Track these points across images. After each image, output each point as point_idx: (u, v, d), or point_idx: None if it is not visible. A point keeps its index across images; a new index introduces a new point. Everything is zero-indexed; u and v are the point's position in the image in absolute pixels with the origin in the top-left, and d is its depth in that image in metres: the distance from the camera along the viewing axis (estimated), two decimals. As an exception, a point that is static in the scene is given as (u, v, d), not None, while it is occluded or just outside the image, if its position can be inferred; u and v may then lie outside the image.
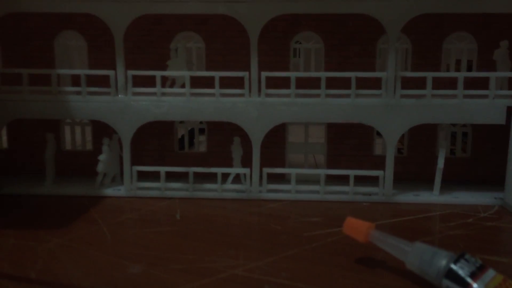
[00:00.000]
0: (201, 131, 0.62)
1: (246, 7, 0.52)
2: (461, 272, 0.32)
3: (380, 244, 0.37)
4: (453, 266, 0.33)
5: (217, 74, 0.54)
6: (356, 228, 0.38)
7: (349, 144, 0.59)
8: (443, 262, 0.33)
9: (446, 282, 0.32)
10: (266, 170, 0.55)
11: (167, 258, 0.40)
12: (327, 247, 0.41)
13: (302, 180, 0.56)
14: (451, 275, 0.32)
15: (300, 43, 0.58)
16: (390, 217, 0.50)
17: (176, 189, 0.55)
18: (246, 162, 0.56)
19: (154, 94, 0.54)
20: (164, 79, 0.55)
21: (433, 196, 0.54)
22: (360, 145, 0.59)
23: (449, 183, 0.57)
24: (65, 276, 0.36)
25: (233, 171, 0.56)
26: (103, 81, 0.55)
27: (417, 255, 0.34)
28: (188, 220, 0.49)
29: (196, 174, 0.55)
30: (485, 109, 0.52)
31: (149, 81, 0.54)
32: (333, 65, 0.57)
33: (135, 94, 0.54)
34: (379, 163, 0.56)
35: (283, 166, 0.59)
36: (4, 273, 0.37)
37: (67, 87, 0.55)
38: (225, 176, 0.56)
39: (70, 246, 0.42)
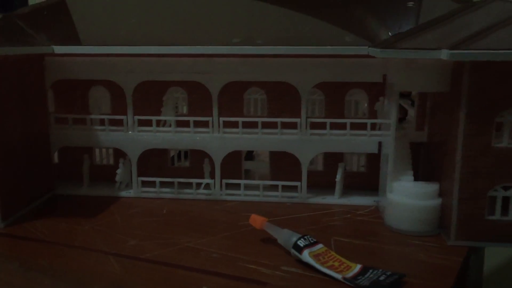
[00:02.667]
0: (186, 153, 0.90)
1: (209, 77, 0.80)
2: (300, 244, 0.59)
3: (268, 231, 0.64)
4: (297, 241, 0.60)
5: (191, 119, 0.81)
6: (255, 221, 0.65)
7: (287, 161, 0.86)
8: (294, 239, 0.60)
9: (292, 250, 0.60)
10: (225, 180, 0.83)
11: (152, 236, 0.68)
12: (248, 231, 0.69)
13: (250, 186, 0.84)
14: (295, 246, 0.60)
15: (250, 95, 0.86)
16: (299, 212, 0.77)
17: (167, 192, 0.84)
18: (213, 174, 0.84)
19: (151, 131, 0.83)
20: (159, 121, 0.84)
21: (334, 199, 0.81)
22: (295, 163, 0.85)
23: (351, 190, 0.84)
24: (93, 244, 0.65)
25: (203, 181, 0.84)
26: (120, 122, 0.83)
27: (283, 236, 0.62)
28: (171, 213, 0.77)
29: (180, 182, 0.84)
30: (365, 143, 0.78)
31: (149, 122, 0.83)
32: (273, 111, 0.84)
33: (139, 131, 0.83)
34: (309, 175, 0.83)
35: (240, 178, 0.87)
36: (58, 242, 0.66)
37: (96, 125, 0.85)
38: (199, 184, 0.84)
39: (97, 229, 0.71)
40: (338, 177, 0.81)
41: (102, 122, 0.83)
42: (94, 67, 0.81)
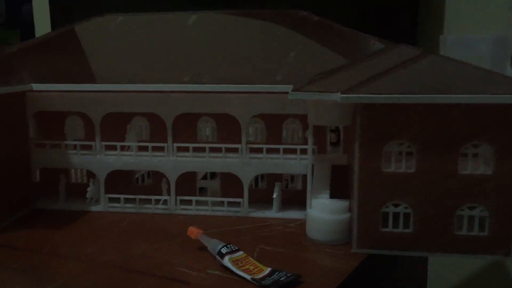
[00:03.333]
0: (149, 173, 1.04)
1: (164, 109, 0.93)
2: (223, 251, 0.72)
3: (202, 240, 0.78)
4: (221, 249, 0.73)
5: (150, 144, 0.95)
6: (192, 232, 0.79)
7: (234, 181, 0.98)
8: (218, 247, 0.73)
9: (217, 257, 0.73)
10: (179, 197, 0.96)
11: (110, 244, 0.82)
12: (190, 241, 0.82)
13: (204, 202, 0.97)
14: (219, 253, 0.73)
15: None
16: (240, 224, 0.90)
17: (130, 207, 0.97)
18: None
19: (116, 155, 0.96)
20: (123, 146, 0.98)
21: (272, 213, 0.94)
22: (241, 182, 0.98)
23: (290, 205, 0.97)
24: (58, 251, 0.79)
25: (161, 198, 0.97)
26: (90, 147, 0.97)
27: (211, 245, 0.75)
28: (131, 225, 0.91)
29: (141, 199, 0.97)
30: (295, 165, 0.91)
31: (115, 147, 0.97)
32: (222, 138, 0.98)
33: (106, 155, 0.97)
34: (254, 192, 0.96)
35: (194, 195, 1.00)
36: (29, 249, 0.80)
37: (70, 150, 0.98)
38: (157, 200, 0.98)
39: (65, 238, 0.84)
40: (275, 195, 0.94)
41: (75, 147, 0.97)
42: (68, 101, 0.95)
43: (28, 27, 2.43)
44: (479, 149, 0.71)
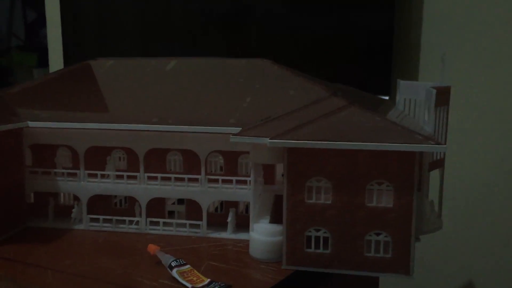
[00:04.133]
0: (125, 198, 1.21)
1: (137, 144, 1.11)
2: (172, 264, 0.89)
3: (158, 256, 0.94)
4: (171, 263, 0.89)
5: (125, 174, 1.13)
6: (150, 249, 0.95)
7: (198, 206, 1.15)
8: (169, 261, 0.90)
9: (168, 269, 0.89)
10: (149, 219, 1.13)
11: (84, 257, 0.98)
12: (151, 256, 0.98)
13: (170, 223, 1.14)
14: (169, 266, 0.89)
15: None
16: (197, 243, 1.06)
17: (107, 226, 1.14)
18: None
19: (96, 182, 1.14)
20: (103, 175, 1.15)
21: (226, 235, 1.10)
22: (196, 207, 1.14)
23: (243, 228, 1.13)
24: (40, 262, 0.96)
25: (134, 219, 1.14)
26: (75, 174, 1.15)
27: (165, 259, 0.91)
28: (106, 242, 1.07)
29: (117, 220, 1.14)
30: (246, 194, 1.07)
31: (96, 175, 1.14)
32: (186, 169, 1.15)
33: (88, 181, 1.14)
34: (215, 217, 1.13)
35: (163, 217, 1.17)
36: (16, 260, 0.97)
37: (59, 177, 1.16)
38: (131, 221, 1.14)
39: (48, 251, 1.01)
40: (229, 218, 1.10)
41: (63, 174, 1.15)
42: (58, 135, 1.13)
43: (45, 50, 2.60)
44: (382, 186, 0.87)
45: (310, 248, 0.91)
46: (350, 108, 0.95)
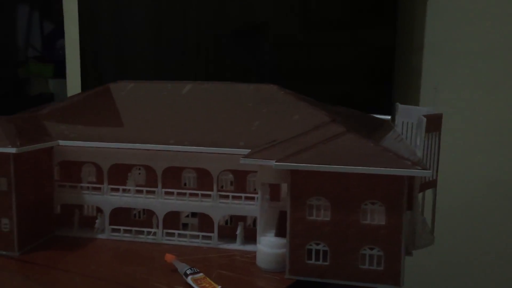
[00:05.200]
0: (144, 211, 1.32)
1: (155, 163, 1.23)
2: (187, 272, 0.99)
3: (174, 264, 1.05)
4: (186, 271, 1.00)
5: (144, 189, 1.24)
6: (168, 257, 1.06)
7: (210, 219, 1.26)
8: (185, 269, 1.00)
9: (183, 277, 1.00)
10: (165, 230, 1.24)
11: (107, 264, 1.10)
12: (168, 264, 1.09)
13: (184, 235, 1.25)
14: (185, 274, 0.99)
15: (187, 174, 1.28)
16: (209, 254, 1.17)
17: (127, 236, 1.25)
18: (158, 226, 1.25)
19: (118, 196, 1.25)
20: (124, 189, 1.26)
21: (236, 246, 1.21)
22: (210, 222, 1.25)
23: (251, 240, 1.23)
24: (68, 267, 1.07)
25: (152, 230, 1.25)
26: (99, 189, 1.27)
27: (180, 268, 1.02)
28: (126, 250, 1.18)
29: (136, 230, 1.25)
30: (253, 209, 1.18)
31: (118, 189, 1.26)
32: (200, 185, 1.26)
33: (111, 195, 1.25)
34: (225, 229, 1.24)
35: (178, 229, 1.28)
36: (47, 265, 1.08)
37: (84, 190, 1.28)
38: (149, 232, 1.25)
39: (74, 258, 1.13)
40: (238, 231, 1.21)
41: (88, 188, 1.27)
42: (85, 153, 1.25)
43: (61, 62, 2.66)
44: (375, 205, 0.98)
45: (311, 260, 1.02)
46: (347, 134, 1.06)
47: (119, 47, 2.38)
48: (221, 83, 1.41)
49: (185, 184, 1.27)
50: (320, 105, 1.31)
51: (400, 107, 1.44)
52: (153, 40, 2.35)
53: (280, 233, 1.12)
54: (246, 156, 1.05)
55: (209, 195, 1.21)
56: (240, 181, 1.24)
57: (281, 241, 1.07)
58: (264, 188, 1.13)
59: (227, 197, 1.20)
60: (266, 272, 1.06)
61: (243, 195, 1.19)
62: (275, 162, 1.00)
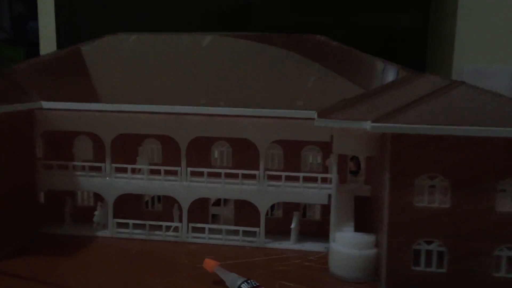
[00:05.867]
0: (159, 198, 0.99)
1: (179, 132, 0.89)
2: (243, 287, 0.68)
3: (219, 274, 0.73)
4: (241, 285, 0.68)
5: (162, 168, 0.91)
6: (208, 264, 0.74)
7: (249, 208, 0.94)
8: (238, 283, 0.68)
9: (236, 292, 0.68)
10: (191, 224, 0.91)
11: (118, 275, 0.77)
12: (203, 274, 0.77)
13: (217, 230, 0.92)
14: (239, 288, 0.68)
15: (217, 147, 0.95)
16: (256, 256, 0.85)
17: (139, 233, 0.93)
18: (182, 218, 0.92)
19: (126, 178, 0.92)
20: (134, 169, 0.93)
21: (289, 245, 0.89)
22: (256, 210, 0.93)
23: (307, 236, 0.92)
24: (64, 281, 0.74)
25: (172, 224, 0.93)
26: (99, 169, 0.93)
27: (230, 279, 0.70)
28: (140, 254, 0.86)
29: (151, 225, 0.92)
30: (315, 194, 0.87)
31: (126, 170, 0.93)
32: (236, 163, 0.94)
33: (116, 177, 0.92)
34: (269, 222, 0.92)
35: (206, 222, 0.95)
36: (34, 278, 0.75)
37: (79, 171, 0.94)
38: (168, 227, 0.93)
39: (71, 267, 0.79)
40: (293, 225, 0.89)
41: (83, 168, 0.93)
42: (78, 120, 0.91)
43: (33, 45, 2.37)
44: (519, 185, 0.67)
45: (419, 265, 0.70)
46: (462, 86, 0.75)
47: (98, 29, 2.04)
48: (247, 34, 1.07)
49: (215, 163, 0.95)
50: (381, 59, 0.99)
51: (466, 70, 1.13)
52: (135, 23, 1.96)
53: (358, 227, 0.81)
54: (322, 116, 0.73)
55: (252, 176, 0.88)
56: (292, 157, 0.92)
57: (368, 238, 0.76)
58: (343, 163, 0.81)
59: (277, 178, 0.88)
60: (347, 283, 0.75)
61: (301, 174, 0.87)
62: (371, 122, 0.68)
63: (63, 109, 0.89)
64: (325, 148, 0.89)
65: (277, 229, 0.92)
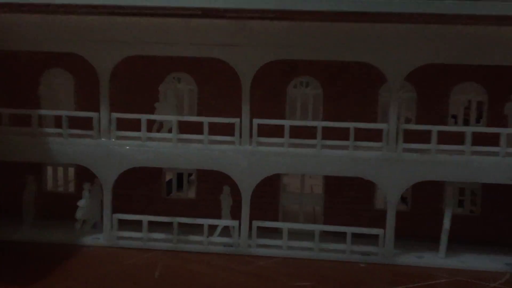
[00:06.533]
0: (191, 174, 0.59)
1: (239, 51, 0.49)
2: None
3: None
4: None
5: (205, 120, 0.51)
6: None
7: (349, 196, 0.55)
8: None
9: None
10: (256, 223, 0.51)
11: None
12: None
13: (297, 233, 0.52)
14: None
15: (297, 88, 0.55)
16: (387, 283, 0.46)
17: (160, 240, 0.52)
18: (237, 212, 0.52)
19: (139, 138, 0.51)
20: (151, 123, 0.52)
21: (438, 259, 0.50)
22: (360, 198, 0.55)
23: (455, 244, 0.53)
24: None
25: (221, 223, 0.52)
26: (88, 123, 0.52)
27: None
28: (168, 279, 0.45)
29: (182, 224, 0.52)
30: (495, 167, 0.48)
31: (136, 124, 0.52)
32: (332, 114, 0.54)
33: (119, 138, 0.51)
34: (380, 217, 0.52)
35: (276, 218, 0.55)
36: None
37: (50, 128, 0.53)
38: (212, 227, 0.52)
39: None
40: (447, 224, 0.50)
41: (58, 122, 0.52)
42: (49, 33, 0.50)
43: None
44: None
45: None
46: None
47: None
48: None
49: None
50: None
51: None
52: None
53: None
54: None
55: (373, 135, 0.49)
56: (435, 101, 0.53)
57: None
58: None
59: (411, 138, 0.49)
60: None
61: (467, 129, 0.48)
62: None
63: (24, 6, 0.47)
64: (496, 84, 0.51)
65: (403, 230, 0.52)
